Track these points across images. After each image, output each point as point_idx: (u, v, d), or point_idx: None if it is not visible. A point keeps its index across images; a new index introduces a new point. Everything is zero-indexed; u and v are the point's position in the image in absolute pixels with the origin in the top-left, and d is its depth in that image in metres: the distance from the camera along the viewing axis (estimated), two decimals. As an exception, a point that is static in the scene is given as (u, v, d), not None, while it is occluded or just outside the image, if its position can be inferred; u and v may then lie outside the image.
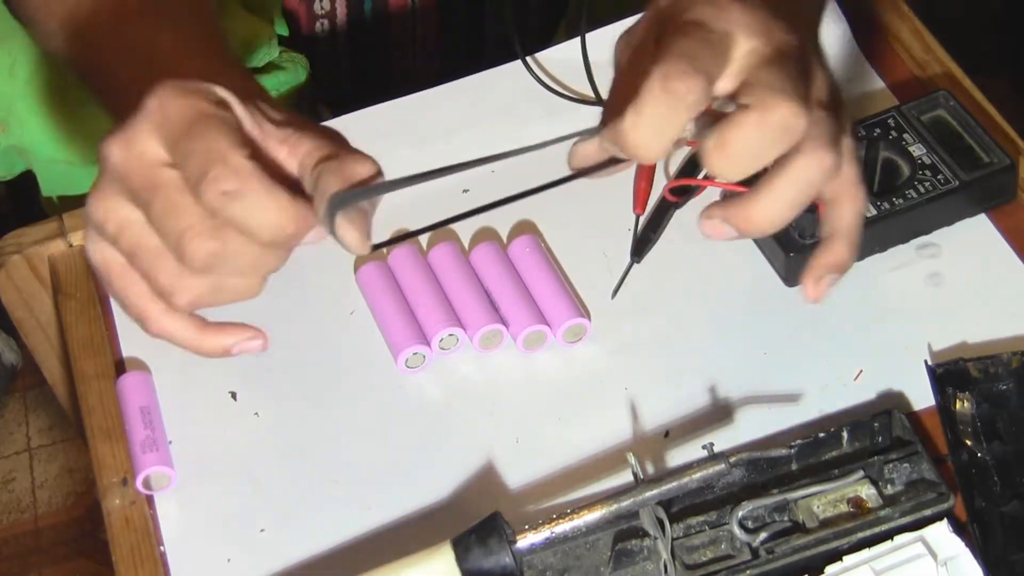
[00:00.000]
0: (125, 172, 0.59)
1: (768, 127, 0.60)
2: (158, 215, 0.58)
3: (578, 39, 0.91)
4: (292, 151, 0.62)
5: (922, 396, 0.75)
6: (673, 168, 0.88)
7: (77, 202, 0.95)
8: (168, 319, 0.63)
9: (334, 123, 0.92)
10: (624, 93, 0.62)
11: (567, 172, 0.89)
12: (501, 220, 0.87)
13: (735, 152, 0.60)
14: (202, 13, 0.73)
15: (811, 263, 0.70)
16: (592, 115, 0.92)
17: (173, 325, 0.64)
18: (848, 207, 0.68)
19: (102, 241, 0.61)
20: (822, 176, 0.63)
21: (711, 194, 0.85)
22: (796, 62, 0.63)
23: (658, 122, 0.59)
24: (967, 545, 0.66)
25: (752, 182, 0.64)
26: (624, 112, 0.60)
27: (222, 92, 0.61)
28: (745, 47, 0.62)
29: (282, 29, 1.05)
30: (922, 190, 0.81)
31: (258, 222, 0.58)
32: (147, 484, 0.75)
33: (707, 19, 0.62)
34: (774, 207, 0.63)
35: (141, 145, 0.59)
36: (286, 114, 0.63)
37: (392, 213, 0.87)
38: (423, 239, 0.86)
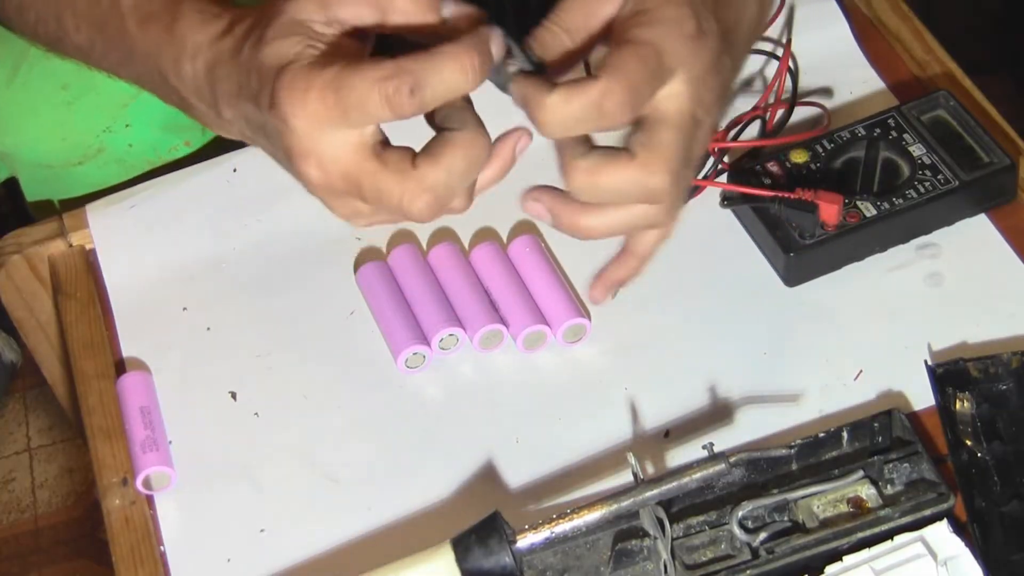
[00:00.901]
0: (329, 184, 0.63)
1: (641, 187, 0.63)
2: (374, 201, 0.63)
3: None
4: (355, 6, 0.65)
5: (922, 396, 0.75)
6: (673, 168, 0.88)
7: (64, 206, 0.95)
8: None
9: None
10: (571, 55, 0.66)
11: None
12: (501, 220, 0.87)
13: (600, 187, 0.64)
14: None
15: (605, 273, 0.72)
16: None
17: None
18: (658, 235, 0.70)
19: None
20: (654, 225, 0.67)
21: (711, 194, 0.85)
22: (704, 126, 0.65)
23: (574, 122, 0.62)
24: (967, 545, 0.66)
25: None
26: (557, 89, 0.62)
27: (297, 29, 0.63)
28: (674, 90, 0.63)
29: None
30: (922, 190, 0.81)
31: (446, 83, 0.62)
32: (147, 484, 0.75)
33: (664, 49, 0.62)
34: (601, 229, 0.67)
35: (325, 154, 0.62)
36: None
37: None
38: (423, 239, 0.86)
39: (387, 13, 0.65)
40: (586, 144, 0.65)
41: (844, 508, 0.69)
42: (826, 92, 0.91)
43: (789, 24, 0.94)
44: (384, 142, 0.64)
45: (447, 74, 0.61)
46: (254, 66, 0.64)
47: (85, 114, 0.91)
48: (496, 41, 0.64)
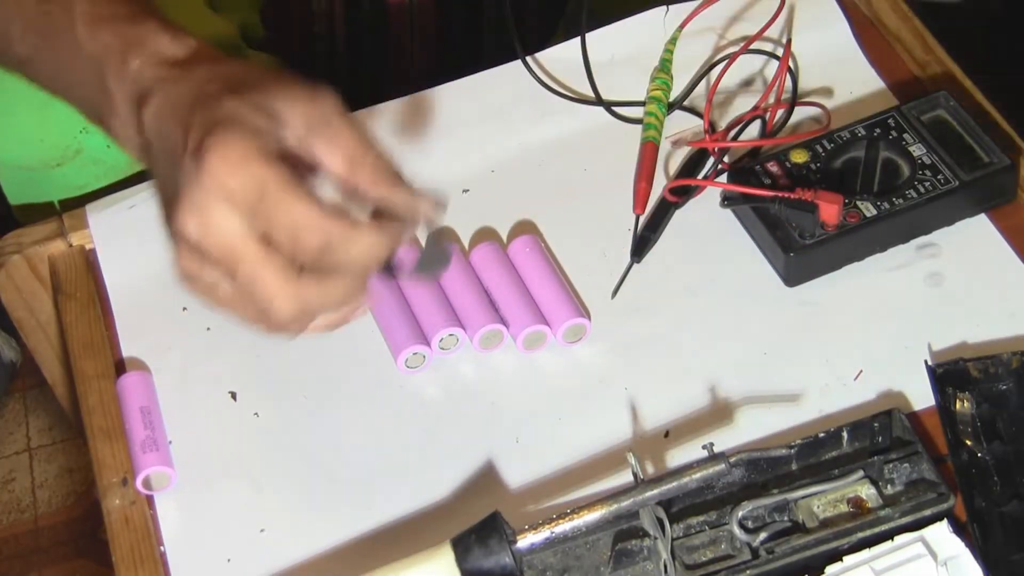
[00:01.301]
0: (205, 246, 0.62)
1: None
2: (244, 285, 0.63)
3: (578, 39, 0.91)
4: (331, 145, 0.66)
5: (922, 396, 0.75)
6: (673, 168, 0.88)
7: (43, 211, 0.94)
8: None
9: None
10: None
11: (565, 170, 0.89)
12: (501, 220, 0.87)
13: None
14: None
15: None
16: (592, 115, 0.92)
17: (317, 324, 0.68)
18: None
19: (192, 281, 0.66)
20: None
21: (711, 194, 0.85)
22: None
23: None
24: (967, 545, 0.66)
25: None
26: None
27: (264, 127, 0.63)
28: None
29: (257, 31, 1.05)
30: (922, 190, 0.81)
31: (353, 259, 0.64)
32: (147, 484, 0.75)
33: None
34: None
35: (216, 219, 0.62)
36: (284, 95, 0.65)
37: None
38: (423, 239, 0.86)
39: (355, 170, 0.66)
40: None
41: (844, 508, 0.69)
42: (826, 92, 0.91)
43: (789, 24, 0.94)
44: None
45: (358, 250, 0.63)
46: (210, 104, 0.63)
47: (62, 115, 0.91)
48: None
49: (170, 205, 0.63)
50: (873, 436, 0.72)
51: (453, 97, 0.93)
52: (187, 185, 0.62)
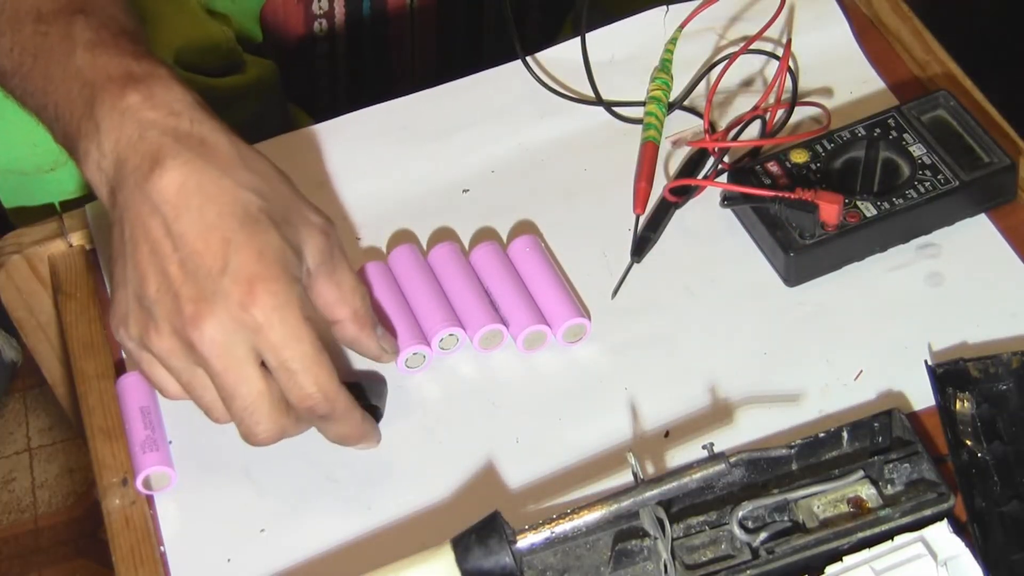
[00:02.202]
0: (212, 358, 0.66)
1: None
2: (236, 411, 0.67)
3: (578, 39, 0.91)
4: (330, 283, 0.71)
5: (922, 396, 0.75)
6: (673, 168, 0.88)
7: (37, 214, 0.94)
8: (282, 428, 0.71)
9: (334, 123, 0.92)
10: None
11: (565, 170, 0.89)
12: (501, 220, 0.87)
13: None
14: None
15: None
16: (592, 115, 0.92)
17: (290, 428, 0.71)
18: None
19: (150, 355, 0.69)
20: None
21: (711, 194, 0.85)
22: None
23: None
24: (967, 545, 0.66)
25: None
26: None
27: (294, 265, 0.67)
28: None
29: (256, 35, 1.05)
30: (922, 190, 0.81)
31: (335, 433, 0.71)
32: (147, 484, 0.75)
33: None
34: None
35: (237, 351, 0.65)
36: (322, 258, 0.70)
37: (394, 212, 0.88)
38: (423, 239, 0.86)
39: (343, 309, 0.72)
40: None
41: (844, 508, 0.69)
42: (826, 92, 0.91)
43: (789, 24, 0.94)
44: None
45: (349, 431, 0.71)
46: (256, 231, 0.65)
47: None
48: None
49: (171, 298, 0.65)
50: (873, 436, 0.72)
51: (453, 97, 0.93)
52: (222, 309, 0.64)
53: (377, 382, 0.78)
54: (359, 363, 0.80)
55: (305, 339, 0.66)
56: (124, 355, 0.77)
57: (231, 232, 0.65)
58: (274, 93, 1.04)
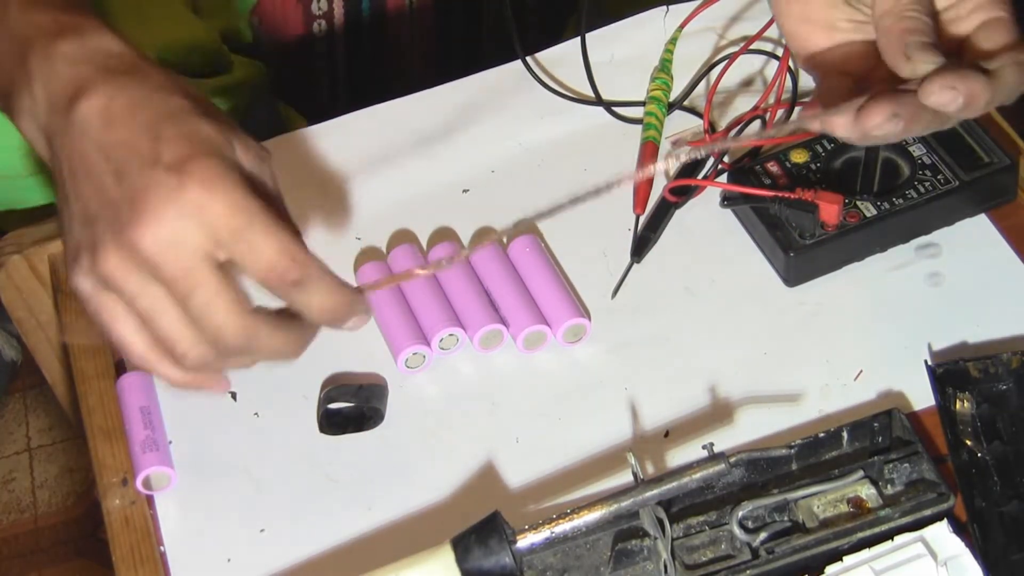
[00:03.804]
0: (160, 261, 0.60)
1: None
2: (196, 309, 0.61)
3: (578, 39, 0.91)
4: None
5: (922, 396, 0.75)
6: (673, 168, 0.88)
7: (23, 217, 0.94)
8: (170, 371, 0.65)
9: (334, 124, 0.92)
10: None
11: (565, 170, 0.89)
12: (501, 220, 0.87)
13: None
14: None
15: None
16: (592, 115, 0.92)
17: (174, 375, 0.65)
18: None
19: (107, 293, 0.63)
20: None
21: (711, 194, 0.85)
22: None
23: None
24: (967, 545, 0.66)
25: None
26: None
27: (230, 151, 0.62)
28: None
29: (243, 36, 1.05)
30: (922, 190, 0.81)
31: (317, 305, 0.63)
32: (147, 484, 0.75)
33: None
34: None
35: (184, 239, 0.60)
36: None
37: (394, 212, 0.88)
38: (423, 239, 0.86)
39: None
40: None
41: (844, 508, 0.69)
42: (826, 92, 0.91)
43: (789, 24, 0.94)
44: None
45: (323, 297, 0.63)
46: (187, 121, 0.62)
47: None
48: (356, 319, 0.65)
49: (125, 216, 0.61)
50: (873, 436, 0.72)
51: (453, 97, 0.93)
52: (157, 197, 0.60)
53: (378, 385, 0.78)
54: (359, 366, 0.80)
55: (254, 206, 0.60)
56: (94, 314, 0.72)
57: (161, 129, 0.61)
58: (261, 93, 1.03)
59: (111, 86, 0.63)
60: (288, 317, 0.64)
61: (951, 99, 0.63)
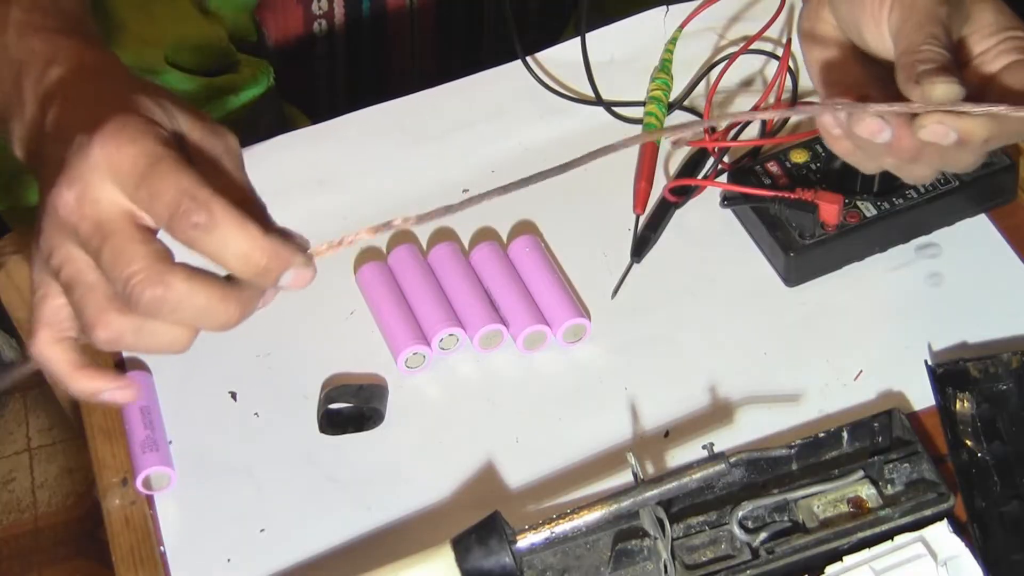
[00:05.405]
0: (76, 220, 0.59)
1: None
2: (107, 261, 0.58)
3: (578, 39, 0.91)
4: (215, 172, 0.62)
5: (922, 396, 0.75)
6: (673, 168, 0.88)
7: (27, 216, 0.94)
8: (49, 347, 0.64)
9: (334, 123, 0.92)
10: None
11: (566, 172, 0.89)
12: (501, 220, 0.87)
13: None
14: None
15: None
16: (592, 115, 0.92)
17: (51, 353, 0.64)
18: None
19: (45, 272, 0.62)
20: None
21: (711, 194, 0.85)
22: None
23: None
24: (967, 545, 0.66)
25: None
26: None
27: (165, 124, 0.61)
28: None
29: (249, 34, 1.05)
30: (922, 190, 0.81)
31: (232, 252, 0.58)
32: (147, 484, 0.75)
33: None
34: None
35: (95, 193, 0.59)
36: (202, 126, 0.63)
37: (394, 212, 0.87)
38: (423, 239, 0.86)
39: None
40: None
41: (844, 508, 0.69)
42: (826, 92, 0.91)
43: (789, 24, 0.94)
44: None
45: (237, 242, 0.58)
46: (119, 97, 0.61)
47: None
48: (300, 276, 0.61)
49: (49, 183, 0.60)
50: (873, 436, 0.72)
51: (453, 97, 0.93)
52: (73, 158, 0.59)
53: (378, 385, 0.78)
54: (359, 366, 0.80)
55: (160, 152, 0.58)
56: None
57: (93, 108, 0.61)
58: (269, 92, 1.04)
59: (70, 91, 0.64)
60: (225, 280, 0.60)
61: (943, 134, 0.64)
